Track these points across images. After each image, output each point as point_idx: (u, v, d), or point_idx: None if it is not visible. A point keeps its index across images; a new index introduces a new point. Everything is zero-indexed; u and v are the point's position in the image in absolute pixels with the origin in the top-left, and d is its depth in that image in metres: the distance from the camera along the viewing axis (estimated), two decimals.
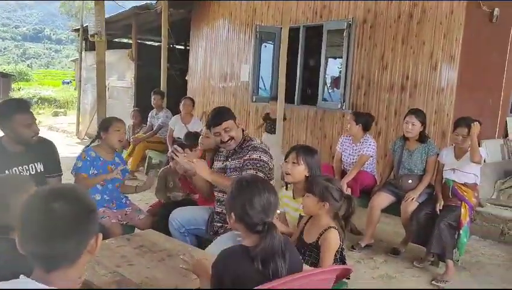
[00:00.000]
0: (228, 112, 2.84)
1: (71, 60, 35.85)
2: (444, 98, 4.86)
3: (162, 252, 2.43)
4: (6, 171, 2.61)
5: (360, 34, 5.60)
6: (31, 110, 2.80)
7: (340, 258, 2.21)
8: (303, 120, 6.43)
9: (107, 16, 5.99)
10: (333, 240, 2.15)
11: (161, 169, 4.02)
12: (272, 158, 2.80)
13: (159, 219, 3.20)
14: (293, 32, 6.16)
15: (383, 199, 3.95)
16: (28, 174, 2.73)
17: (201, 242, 2.98)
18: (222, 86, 7.94)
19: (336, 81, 6.97)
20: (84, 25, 9.93)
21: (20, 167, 2.71)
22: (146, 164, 6.76)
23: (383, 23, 5.36)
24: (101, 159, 3.15)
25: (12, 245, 1.54)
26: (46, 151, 2.87)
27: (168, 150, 6.01)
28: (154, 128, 6.52)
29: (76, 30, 10.87)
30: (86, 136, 10.02)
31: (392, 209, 4.01)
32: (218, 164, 2.94)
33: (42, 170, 2.81)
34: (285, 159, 2.63)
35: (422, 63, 5.00)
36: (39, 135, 2.81)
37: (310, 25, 6.31)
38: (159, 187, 3.76)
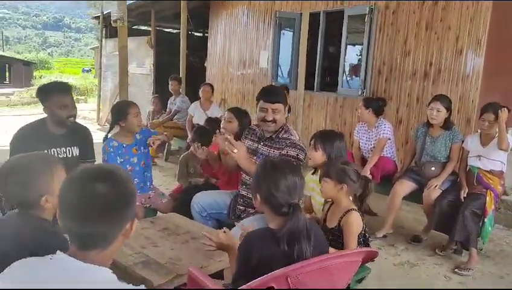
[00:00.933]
0: (284, 96, 2.82)
1: (90, 48, 36.25)
2: (469, 85, 4.75)
3: (186, 234, 2.46)
4: (45, 151, 2.67)
5: (382, 19, 5.49)
6: (71, 93, 2.88)
7: (363, 241, 2.20)
8: (323, 107, 6.37)
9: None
10: (355, 222, 2.15)
11: (182, 155, 4.04)
12: (306, 154, 2.76)
13: (180, 204, 3.23)
14: (313, 17, 6.07)
15: (405, 186, 3.90)
16: (64, 156, 2.81)
17: (223, 227, 2.99)
18: (241, 73, 7.92)
19: (355, 69, 6.86)
20: (105, 12, 9.99)
21: (58, 149, 2.80)
22: (165, 150, 6.82)
23: (406, 9, 5.23)
24: (124, 145, 3.19)
25: (33, 222, 1.58)
26: (82, 136, 2.97)
27: (187, 136, 6.06)
28: (171, 113, 6.55)
29: (96, 18, 10.95)
30: (106, 123, 10.14)
31: (414, 197, 3.96)
32: (250, 143, 2.91)
33: (77, 154, 2.89)
34: (309, 145, 2.65)
35: (447, 48, 4.88)
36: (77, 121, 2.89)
37: (330, 10, 6.21)
38: (181, 173, 3.80)
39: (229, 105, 7.92)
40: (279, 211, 1.65)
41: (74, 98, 2.99)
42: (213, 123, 4.05)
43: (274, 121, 2.72)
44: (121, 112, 3.18)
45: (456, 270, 3.32)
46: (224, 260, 2.17)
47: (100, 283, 1.12)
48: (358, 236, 2.16)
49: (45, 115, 2.82)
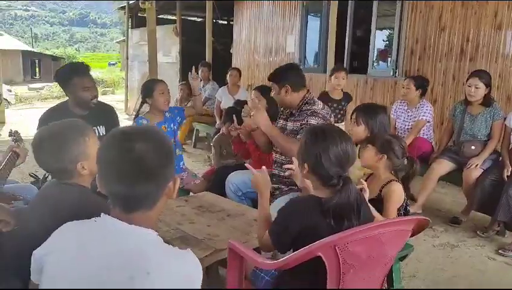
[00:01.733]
0: (278, 75, 2.76)
1: (116, 42, 36.76)
2: (509, 61, 4.52)
3: (221, 212, 2.43)
4: None
5: None
6: (90, 73, 2.83)
7: (404, 215, 2.11)
8: (352, 89, 6.21)
9: None
10: (397, 191, 2.05)
11: (213, 139, 4.02)
12: (332, 124, 2.71)
13: (213, 184, 3.20)
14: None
15: (444, 166, 3.75)
16: None
17: (257, 206, 2.95)
18: (267, 60, 7.82)
19: (383, 53, 6.65)
20: (130, 3, 10.05)
21: None
22: (194, 137, 6.82)
23: None
24: (154, 124, 3.17)
25: (73, 189, 1.56)
26: (108, 115, 2.94)
27: (215, 122, 6.04)
28: (202, 100, 6.51)
29: (122, 8, 11.02)
30: (133, 112, 10.25)
31: (452, 177, 3.81)
32: (281, 123, 2.90)
33: (104, 133, 2.88)
34: (350, 119, 2.56)
35: (485, 24, 4.66)
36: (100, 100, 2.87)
37: None
38: (216, 155, 3.79)
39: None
40: (327, 183, 1.56)
41: (101, 90, 2.97)
42: (242, 105, 3.99)
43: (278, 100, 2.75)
44: (147, 89, 3.17)
45: (499, 251, 3.17)
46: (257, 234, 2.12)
47: (146, 244, 1.08)
48: (399, 209, 2.07)
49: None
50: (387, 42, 7.03)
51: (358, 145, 2.55)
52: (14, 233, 1.67)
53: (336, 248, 1.37)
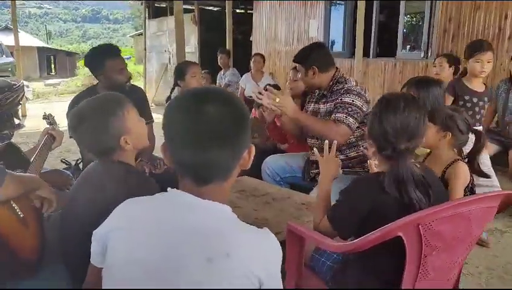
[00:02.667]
0: (307, 54, 2.57)
1: (130, 36, 36.83)
2: None
3: (265, 196, 2.30)
4: None
5: None
6: (121, 55, 2.71)
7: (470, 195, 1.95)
8: (380, 74, 6.02)
9: None
10: (463, 172, 1.88)
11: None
12: (367, 101, 2.53)
13: (250, 169, 3.06)
14: None
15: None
16: None
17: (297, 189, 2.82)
18: (289, 47, 7.63)
19: (412, 35, 6.42)
20: None
21: None
22: None
23: None
24: None
25: (118, 168, 1.44)
26: (138, 97, 2.79)
27: None
28: (222, 87, 6.40)
29: None
30: (152, 104, 10.19)
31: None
32: (312, 107, 2.73)
33: None
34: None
35: None
36: None
37: None
38: None
39: (277, 80, 7.69)
40: (382, 153, 1.43)
41: None
42: (275, 88, 3.83)
43: (303, 83, 2.61)
44: (179, 72, 3.05)
45: None
46: (312, 222, 2.00)
47: (224, 222, 0.95)
48: (465, 190, 1.91)
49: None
50: (417, 23, 6.79)
51: None
52: (58, 217, 1.58)
53: (420, 226, 1.22)
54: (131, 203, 1.03)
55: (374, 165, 1.83)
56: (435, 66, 3.96)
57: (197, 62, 8.83)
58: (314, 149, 1.84)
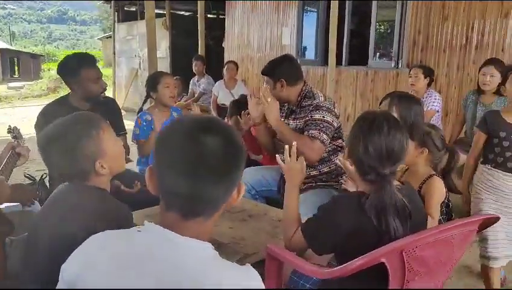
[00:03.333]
0: (275, 67, 2.54)
1: (98, 39, 36.04)
2: None
3: (242, 213, 2.24)
4: None
5: None
6: (97, 64, 2.62)
7: (446, 212, 1.96)
8: (352, 82, 6.08)
9: None
10: (438, 188, 1.89)
11: None
12: (337, 116, 2.52)
13: None
14: None
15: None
16: None
17: (271, 205, 2.78)
18: (262, 53, 7.62)
19: (383, 44, 6.54)
20: None
21: None
22: None
23: None
24: (158, 121, 2.96)
25: (92, 193, 1.35)
26: (111, 109, 2.71)
27: None
28: (196, 96, 6.31)
29: (108, 1, 10.68)
30: (122, 110, 9.96)
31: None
32: None
33: None
34: (379, 105, 2.35)
35: (491, 11, 4.55)
36: None
37: None
38: None
39: (249, 86, 7.66)
40: (365, 177, 1.40)
41: None
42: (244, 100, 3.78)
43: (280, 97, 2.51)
44: (151, 82, 2.94)
45: None
46: (283, 234, 1.95)
47: (205, 261, 0.89)
48: (441, 205, 1.92)
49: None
50: (388, 33, 6.92)
51: None
52: (22, 242, 1.48)
53: (404, 253, 1.20)
54: (105, 238, 0.95)
55: (350, 183, 1.82)
56: (410, 77, 4.01)
57: (169, 67, 8.74)
58: (277, 157, 1.76)
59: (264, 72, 2.58)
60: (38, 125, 2.48)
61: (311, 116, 2.42)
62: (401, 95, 2.30)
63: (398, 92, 2.44)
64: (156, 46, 4.14)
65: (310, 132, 2.37)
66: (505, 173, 2.30)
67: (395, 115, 2.23)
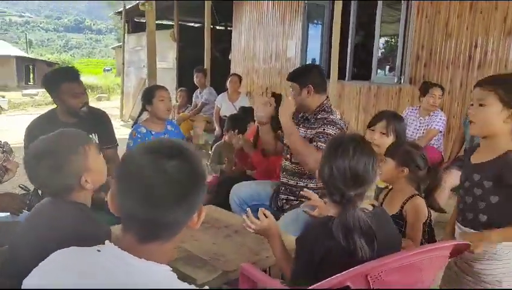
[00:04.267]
0: (304, 72, 2.58)
1: (111, 48, 36.62)
2: None
3: (227, 228, 2.24)
4: None
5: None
6: (80, 79, 2.64)
7: (428, 232, 1.95)
8: (354, 97, 6.07)
9: None
10: (421, 207, 1.89)
11: (215, 144, 3.84)
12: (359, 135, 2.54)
13: (216, 196, 3.02)
14: (343, 4, 5.79)
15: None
16: None
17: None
18: (267, 66, 7.67)
19: (386, 60, 6.53)
20: (127, 7, 9.90)
21: None
22: (192, 144, 6.63)
23: None
24: (153, 133, 2.99)
25: (72, 208, 1.37)
26: (99, 121, 2.75)
27: (214, 130, 5.86)
28: (198, 106, 6.36)
29: (119, 13, 10.87)
30: (130, 119, 10.06)
31: None
32: None
33: (97, 141, 2.67)
34: (369, 126, 2.34)
35: (494, 29, 4.53)
36: (90, 105, 2.68)
37: None
38: (213, 159, 3.61)
39: (254, 98, 7.70)
40: (331, 198, 1.41)
41: (96, 96, 2.78)
42: (247, 112, 3.82)
43: (296, 101, 2.52)
44: (147, 95, 2.98)
45: None
46: (272, 257, 1.95)
47: (161, 283, 0.90)
48: (423, 225, 1.91)
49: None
50: (391, 48, 6.91)
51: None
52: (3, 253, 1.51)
53: (368, 277, 1.19)
54: (67, 256, 0.97)
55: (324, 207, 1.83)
56: (432, 97, 3.95)
57: (175, 78, 8.82)
58: (245, 219, 1.75)
59: (291, 78, 2.59)
60: (26, 140, 2.52)
61: (323, 129, 2.44)
62: (393, 115, 2.31)
63: (390, 112, 2.44)
64: (155, 60, 4.21)
65: (319, 143, 2.38)
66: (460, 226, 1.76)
67: (392, 135, 2.23)
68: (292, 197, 2.61)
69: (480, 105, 1.58)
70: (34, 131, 2.52)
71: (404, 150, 1.95)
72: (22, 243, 1.38)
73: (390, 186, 2.09)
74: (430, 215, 1.95)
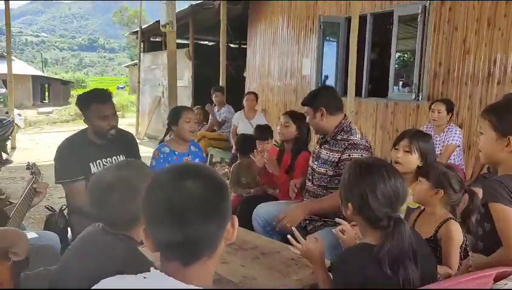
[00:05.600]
0: (314, 98, 2.59)
1: (125, 66, 37.20)
2: None
3: (255, 250, 2.22)
4: (90, 164, 2.53)
5: (437, 17, 5.16)
6: (112, 101, 2.66)
7: (464, 257, 1.89)
8: (372, 114, 6.05)
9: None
10: (456, 232, 1.84)
11: (233, 164, 3.84)
12: (372, 154, 2.53)
13: (239, 216, 2.99)
14: (359, 21, 5.82)
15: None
16: None
17: (287, 241, 2.75)
18: (282, 82, 7.71)
19: (404, 76, 6.52)
20: (143, 27, 10.08)
21: (104, 160, 2.61)
22: (208, 162, 6.65)
23: (464, 4, 4.89)
24: (176, 153, 3.00)
25: (126, 243, 1.35)
26: (127, 143, 2.77)
27: (231, 148, 5.87)
28: (219, 122, 6.37)
29: (135, 33, 11.07)
30: (145, 137, 10.14)
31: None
32: (315, 149, 2.73)
33: None
34: (394, 145, 2.33)
35: None
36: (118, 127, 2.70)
37: (378, 12, 5.92)
38: (232, 181, 3.60)
39: (269, 115, 7.72)
40: (376, 225, 1.38)
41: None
42: (263, 131, 3.81)
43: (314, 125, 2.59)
44: (173, 116, 3.01)
45: None
46: (303, 279, 1.92)
47: None
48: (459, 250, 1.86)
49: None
50: (405, 64, 6.91)
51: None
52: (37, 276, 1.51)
53: None
54: (115, 283, 0.99)
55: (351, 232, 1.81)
56: (433, 112, 3.97)
57: (191, 96, 8.91)
58: (290, 239, 1.77)
59: (304, 103, 2.63)
60: (58, 160, 2.54)
61: (349, 155, 2.42)
62: (417, 133, 2.29)
63: (413, 130, 2.41)
64: (176, 80, 4.23)
65: None
66: None
67: (415, 153, 2.20)
68: (316, 218, 2.58)
69: (481, 133, 1.62)
70: (65, 151, 2.56)
71: (439, 171, 1.91)
72: (71, 269, 1.35)
73: (422, 207, 2.05)
74: (466, 240, 1.90)
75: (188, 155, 3.04)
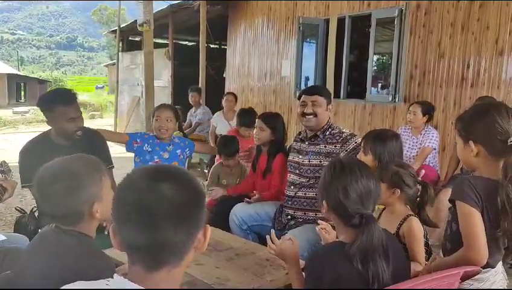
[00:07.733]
0: (326, 91, 2.69)
1: (104, 65, 36.66)
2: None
3: (229, 251, 2.22)
4: None
5: (413, 21, 5.25)
6: (77, 102, 2.55)
7: (426, 251, 1.94)
8: (349, 115, 6.12)
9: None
10: (418, 228, 1.89)
11: (213, 166, 3.82)
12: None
13: (216, 216, 2.98)
14: (338, 23, 5.89)
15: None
16: None
17: (264, 241, 2.75)
18: (262, 84, 7.72)
19: (381, 78, 6.62)
20: (121, 26, 9.95)
21: None
22: (186, 163, 6.59)
23: (439, 9, 4.99)
24: (157, 141, 2.99)
25: (79, 240, 1.33)
26: (94, 142, 2.66)
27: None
28: (192, 126, 6.35)
29: (113, 32, 10.92)
30: None
31: None
32: (297, 146, 2.74)
33: None
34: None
35: (486, 50, 4.61)
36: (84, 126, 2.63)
37: (356, 14, 5.99)
38: (211, 183, 3.57)
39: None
40: (348, 223, 1.41)
41: (89, 114, 2.74)
42: (249, 116, 3.76)
43: (314, 114, 2.54)
44: (152, 113, 3.06)
45: None
46: (277, 279, 1.93)
47: None
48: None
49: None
50: (383, 66, 7.01)
51: None
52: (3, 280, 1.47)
53: None
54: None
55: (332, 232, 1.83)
56: (409, 113, 4.03)
57: (170, 96, 8.83)
58: (267, 238, 1.77)
59: (319, 92, 2.61)
60: (21, 164, 2.46)
61: (355, 142, 2.52)
62: (375, 134, 2.31)
63: (374, 131, 2.43)
64: (152, 79, 4.20)
65: None
66: None
67: (370, 154, 2.22)
68: (299, 213, 2.59)
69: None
70: (28, 154, 2.46)
71: (391, 171, 1.94)
72: (27, 273, 1.32)
73: (382, 207, 2.09)
74: (426, 234, 1.95)
75: (171, 145, 3.02)
